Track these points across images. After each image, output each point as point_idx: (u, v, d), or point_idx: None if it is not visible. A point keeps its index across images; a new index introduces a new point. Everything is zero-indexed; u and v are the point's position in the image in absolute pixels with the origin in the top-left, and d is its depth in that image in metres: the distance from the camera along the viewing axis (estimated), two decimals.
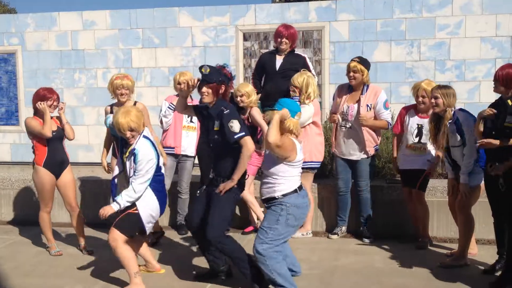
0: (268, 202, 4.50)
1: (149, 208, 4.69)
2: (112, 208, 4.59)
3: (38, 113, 5.70)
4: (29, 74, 9.54)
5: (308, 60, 6.67)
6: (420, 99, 5.68)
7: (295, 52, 6.72)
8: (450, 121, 5.09)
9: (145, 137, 4.70)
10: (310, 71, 6.45)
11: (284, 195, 4.40)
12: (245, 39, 8.97)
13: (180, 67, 8.95)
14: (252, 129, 5.91)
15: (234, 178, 4.63)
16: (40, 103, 5.61)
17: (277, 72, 6.46)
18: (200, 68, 4.72)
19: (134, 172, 4.60)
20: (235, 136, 4.57)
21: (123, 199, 4.59)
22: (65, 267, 5.46)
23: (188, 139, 6.42)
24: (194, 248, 5.95)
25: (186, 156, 6.44)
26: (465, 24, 8.32)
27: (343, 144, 6.09)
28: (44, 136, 5.59)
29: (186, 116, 6.38)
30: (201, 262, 5.37)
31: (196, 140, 6.47)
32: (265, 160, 4.62)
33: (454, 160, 5.19)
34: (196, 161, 6.59)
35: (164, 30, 9.14)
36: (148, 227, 4.78)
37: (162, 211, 4.82)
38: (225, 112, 4.62)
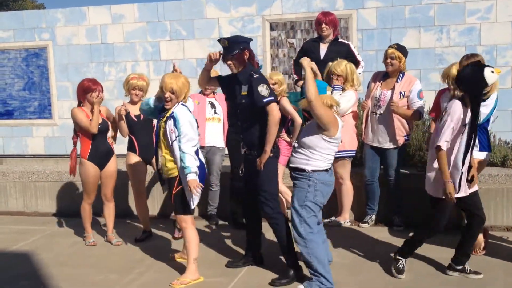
0: (295, 171, 4.47)
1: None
2: (192, 179, 4.52)
3: (84, 104, 5.80)
4: (60, 68, 9.70)
5: (352, 47, 6.61)
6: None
7: (339, 40, 6.67)
8: None
9: (183, 104, 4.78)
10: (356, 58, 6.40)
11: (313, 171, 4.38)
12: (271, 29, 8.96)
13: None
14: (282, 119, 5.92)
15: (266, 149, 4.62)
16: (92, 96, 5.69)
17: (321, 61, 6.34)
18: (218, 41, 4.74)
19: (177, 136, 4.61)
20: (265, 100, 4.56)
21: (188, 165, 4.52)
22: (99, 257, 5.58)
23: (213, 131, 6.42)
24: (225, 237, 6.01)
25: (215, 147, 6.48)
26: (496, 8, 8.15)
27: (373, 131, 6.06)
28: (90, 131, 5.70)
29: (209, 108, 6.40)
30: (232, 250, 5.43)
31: (222, 131, 6.48)
32: (305, 130, 4.55)
33: None
34: (226, 151, 6.62)
35: (191, 22, 9.18)
36: (192, 201, 4.72)
37: (202, 180, 4.74)
38: (254, 76, 4.63)
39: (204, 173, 4.79)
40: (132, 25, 9.38)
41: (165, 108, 4.76)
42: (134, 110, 5.93)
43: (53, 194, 7.63)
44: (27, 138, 9.92)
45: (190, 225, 4.77)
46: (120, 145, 6.52)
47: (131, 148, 5.97)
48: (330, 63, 6.05)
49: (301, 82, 6.45)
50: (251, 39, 4.85)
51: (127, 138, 6.01)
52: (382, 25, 8.52)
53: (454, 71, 5.51)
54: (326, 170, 4.43)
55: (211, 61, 4.79)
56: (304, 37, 8.66)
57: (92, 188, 5.88)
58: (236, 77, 4.77)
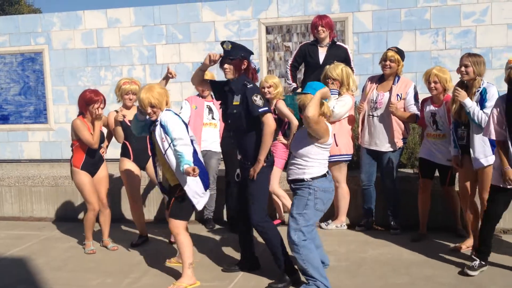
0: (295, 184, 4.47)
1: (193, 187, 4.65)
2: (187, 167, 4.36)
3: (85, 115, 5.72)
4: (56, 73, 9.69)
5: (349, 51, 6.62)
6: (432, 85, 5.56)
7: (337, 43, 6.67)
8: (478, 89, 5.02)
9: (167, 109, 4.68)
10: (349, 63, 6.40)
11: (312, 178, 4.38)
12: (267, 32, 8.97)
13: None
14: (278, 121, 5.91)
15: (260, 158, 4.58)
16: (95, 108, 5.58)
17: (321, 66, 6.33)
18: (222, 43, 4.64)
19: (170, 143, 4.52)
20: (260, 110, 4.51)
21: (186, 159, 4.41)
22: (95, 262, 5.56)
23: (210, 135, 6.42)
24: (222, 241, 6.00)
25: (211, 152, 6.46)
26: (491, 11, 8.19)
27: (370, 134, 6.05)
28: (90, 146, 5.63)
29: (207, 113, 6.39)
30: (229, 254, 5.42)
31: (218, 136, 6.48)
32: (295, 140, 4.55)
33: (462, 136, 5.15)
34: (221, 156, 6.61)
35: (187, 26, 9.19)
36: (198, 205, 4.73)
37: (206, 184, 4.74)
38: (248, 86, 4.56)
39: (207, 178, 4.77)
40: (128, 29, 9.38)
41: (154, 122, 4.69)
42: (129, 115, 5.91)
43: (49, 199, 7.60)
44: (22, 143, 9.90)
45: (182, 230, 4.75)
46: (114, 150, 6.50)
47: (124, 153, 5.93)
48: (327, 67, 6.04)
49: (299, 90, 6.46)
50: (252, 53, 4.80)
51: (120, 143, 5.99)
52: (378, 28, 8.54)
53: (434, 70, 5.52)
54: (325, 175, 4.44)
55: (209, 62, 4.66)
56: (300, 40, 8.67)
57: (91, 194, 5.79)
58: (229, 85, 4.71)
